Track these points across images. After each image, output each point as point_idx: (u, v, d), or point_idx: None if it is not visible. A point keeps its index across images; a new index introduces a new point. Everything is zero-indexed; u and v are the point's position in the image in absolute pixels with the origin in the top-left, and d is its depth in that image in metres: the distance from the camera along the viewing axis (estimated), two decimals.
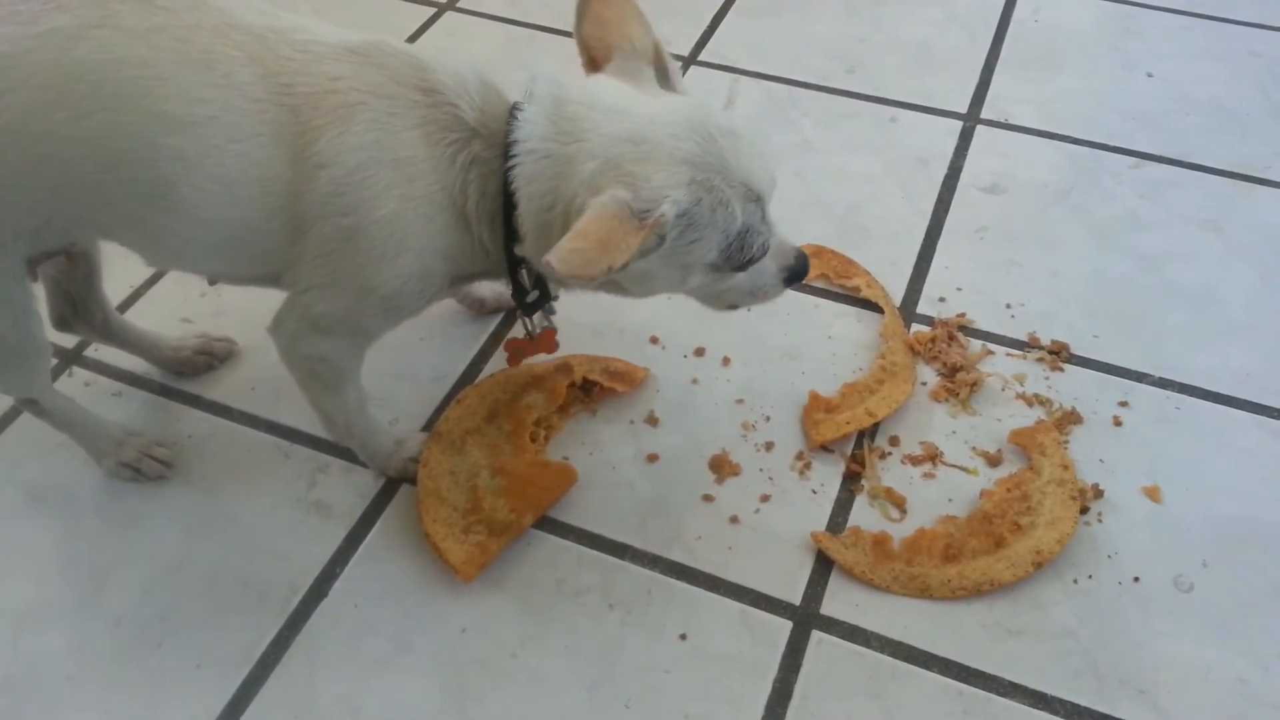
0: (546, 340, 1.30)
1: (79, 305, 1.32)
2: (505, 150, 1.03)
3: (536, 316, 1.26)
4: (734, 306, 1.19)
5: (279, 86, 1.00)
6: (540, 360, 1.39)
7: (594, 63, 1.09)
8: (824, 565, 1.24)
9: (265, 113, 1.00)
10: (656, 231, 0.96)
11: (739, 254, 1.06)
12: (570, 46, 1.99)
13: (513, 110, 1.05)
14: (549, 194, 1.01)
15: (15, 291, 1.11)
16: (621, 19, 1.08)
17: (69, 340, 1.45)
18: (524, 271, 1.13)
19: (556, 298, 1.24)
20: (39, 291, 1.20)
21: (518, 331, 1.44)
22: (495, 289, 1.50)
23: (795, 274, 1.16)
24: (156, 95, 0.98)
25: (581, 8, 1.09)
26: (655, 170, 0.97)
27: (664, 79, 1.10)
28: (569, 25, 2.08)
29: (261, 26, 1.02)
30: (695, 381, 1.44)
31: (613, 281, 1.06)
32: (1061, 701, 1.13)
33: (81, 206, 1.05)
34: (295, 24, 1.04)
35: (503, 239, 1.08)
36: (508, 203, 1.04)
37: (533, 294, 1.18)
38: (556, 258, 0.90)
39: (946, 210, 1.69)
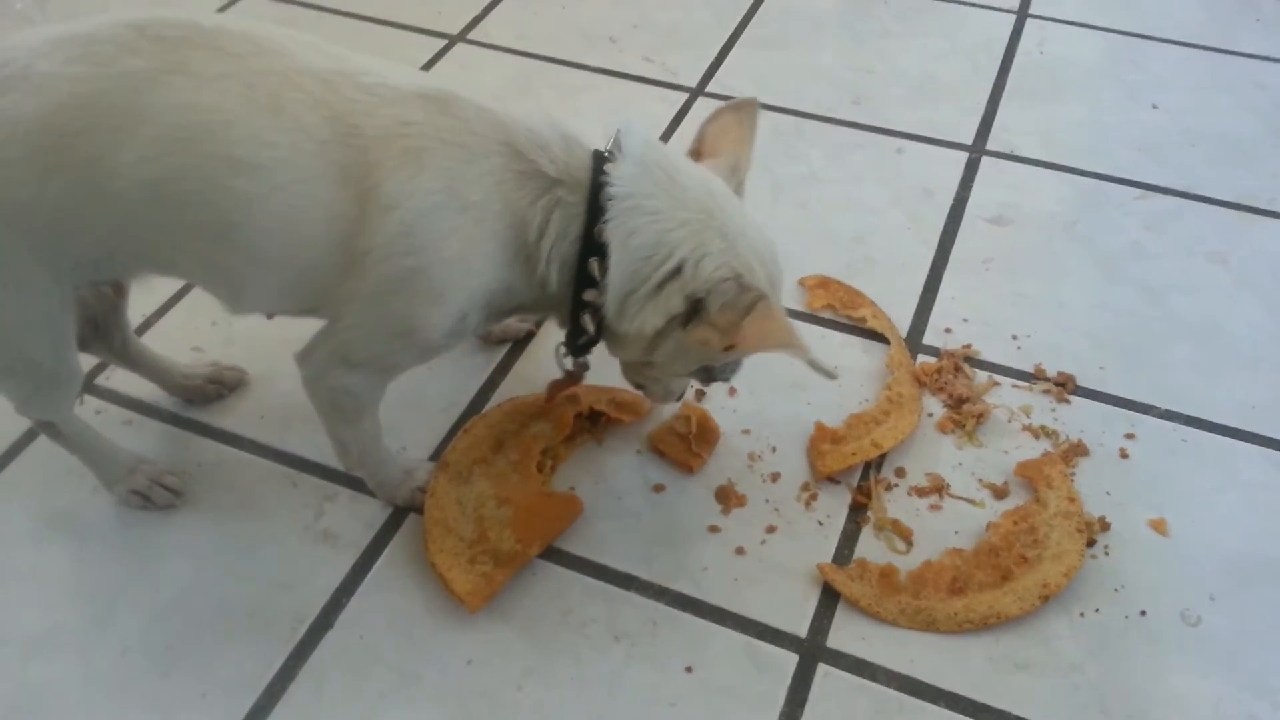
0: (579, 376, 1.33)
1: (100, 327, 1.33)
2: (592, 197, 1.07)
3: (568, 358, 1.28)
4: (640, 386, 1.31)
5: (346, 128, 1.02)
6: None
7: (697, 154, 1.20)
8: (830, 598, 1.24)
9: (331, 153, 1.02)
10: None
11: (724, 372, 1.25)
12: (576, 78, 2.01)
13: (597, 159, 1.09)
14: (657, 248, 1.08)
15: (61, 321, 1.14)
16: (740, 140, 1.21)
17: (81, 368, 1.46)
18: (586, 315, 1.15)
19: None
20: None
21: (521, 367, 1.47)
22: (505, 320, 1.51)
23: (681, 394, 1.34)
24: (224, 139, 1.00)
25: (717, 112, 1.22)
26: (762, 284, 1.10)
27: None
28: (578, 58, 2.11)
29: (328, 70, 1.04)
30: None
31: (656, 341, 1.14)
32: None
33: (145, 245, 1.08)
34: (362, 66, 1.06)
35: (572, 284, 1.12)
36: (587, 248, 1.08)
37: (585, 336, 1.19)
38: (749, 337, 1.07)
39: (952, 241, 1.70)
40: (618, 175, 1.07)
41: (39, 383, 1.18)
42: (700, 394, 1.45)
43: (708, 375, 1.25)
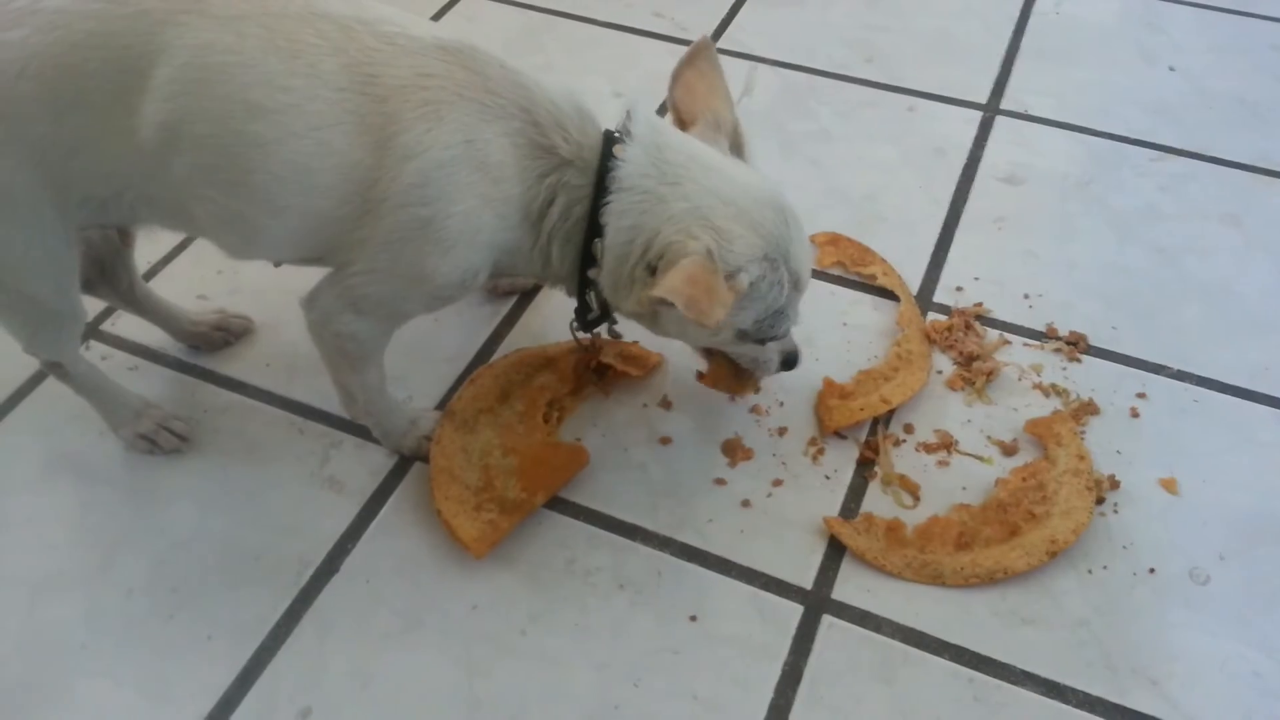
0: (595, 348, 1.36)
1: (107, 269, 1.33)
2: (598, 181, 1.08)
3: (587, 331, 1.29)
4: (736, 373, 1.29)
5: (364, 76, 1.02)
6: (556, 343, 1.41)
7: (679, 124, 1.17)
8: (836, 550, 1.24)
9: (347, 101, 1.01)
10: (733, 299, 1.04)
11: (767, 330, 1.16)
12: (584, 31, 1.99)
13: (607, 141, 1.10)
14: (635, 228, 1.08)
15: (64, 256, 1.14)
16: (710, 93, 1.17)
17: (88, 314, 1.45)
18: (591, 293, 1.17)
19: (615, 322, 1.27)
20: None
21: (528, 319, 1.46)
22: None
23: (789, 363, 1.27)
24: (240, 82, 0.99)
25: (676, 74, 1.18)
26: (739, 234, 1.06)
27: (738, 155, 1.17)
28: (586, 12, 2.08)
29: (346, 16, 1.03)
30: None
31: (655, 315, 1.15)
32: (1073, 690, 1.12)
33: (153, 185, 1.07)
34: (382, 15, 1.06)
35: (577, 260, 1.13)
36: (590, 229, 1.10)
37: (593, 313, 1.21)
38: (682, 301, 0.97)
39: (964, 200, 1.68)
40: (624, 157, 1.07)
41: (42, 321, 1.18)
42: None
43: (758, 341, 1.20)
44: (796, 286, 1.15)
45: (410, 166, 1.03)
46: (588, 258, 1.12)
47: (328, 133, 1.02)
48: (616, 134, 1.10)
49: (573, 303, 1.23)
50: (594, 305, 1.19)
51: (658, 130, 1.10)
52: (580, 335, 1.30)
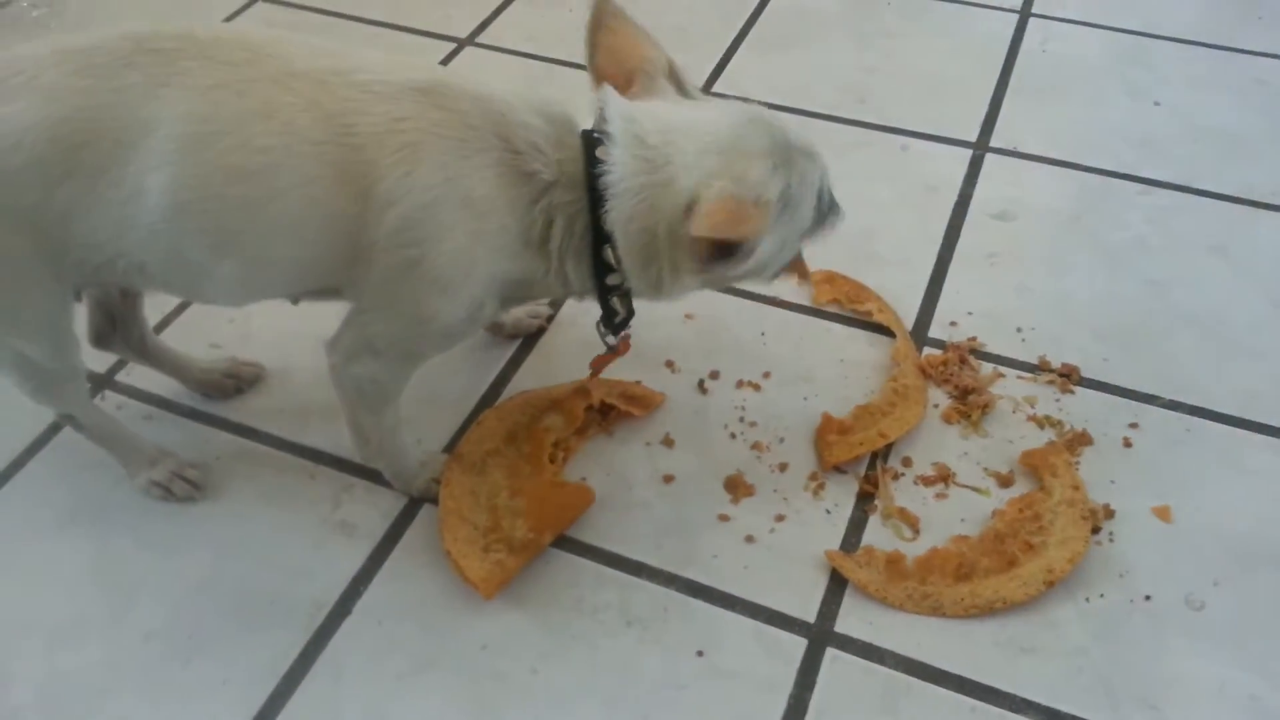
0: (624, 348, 1.35)
1: (119, 323, 1.36)
2: (590, 191, 1.08)
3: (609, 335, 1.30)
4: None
5: (341, 127, 1.03)
6: (560, 384, 1.45)
7: (617, 90, 1.14)
8: (838, 584, 1.26)
9: (326, 154, 1.03)
10: (768, 214, 1.06)
11: (827, 209, 1.19)
12: (584, 79, 2.03)
13: (588, 145, 1.09)
14: (650, 225, 1.08)
15: (61, 321, 1.16)
16: (631, 45, 1.16)
17: (102, 365, 1.49)
18: (615, 298, 1.19)
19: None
20: (79, 308, 1.25)
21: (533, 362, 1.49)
22: (516, 315, 1.54)
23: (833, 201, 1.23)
24: (218, 149, 1.02)
25: (591, 42, 1.16)
26: (746, 169, 1.06)
27: (682, 89, 1.18)
28: (583, 60, 2.12)
29: (321, 70, 1.05)
30: (709, 404, 1.46)
31: (709, 275, 1.12)
32: (1074, 718, 1.14)
33: (145, 253, 1.08)
34: (358, 64, 1.07)
35: (592, 272, 1.14)
36: (598, 239, 1.10)
37: (619, 316, 1.23)
38: (717, 223, 1.01)
39: (957, 236, 1.72)
40: (609, 160, 1.07)
41: (41, 382, 1.22)
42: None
43: (821, 225, 1.20)
44: (813, 160, 1.14)
45: (392, 213, 1.05)
46: (602, 266, 1.13)
47: (310, 188, 1.04)
48: (595, 134, 1.09)
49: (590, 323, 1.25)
50: (619, 308, 1.21)
51: (632, 119, 1.08)
52: (608, 339, 1.30)
